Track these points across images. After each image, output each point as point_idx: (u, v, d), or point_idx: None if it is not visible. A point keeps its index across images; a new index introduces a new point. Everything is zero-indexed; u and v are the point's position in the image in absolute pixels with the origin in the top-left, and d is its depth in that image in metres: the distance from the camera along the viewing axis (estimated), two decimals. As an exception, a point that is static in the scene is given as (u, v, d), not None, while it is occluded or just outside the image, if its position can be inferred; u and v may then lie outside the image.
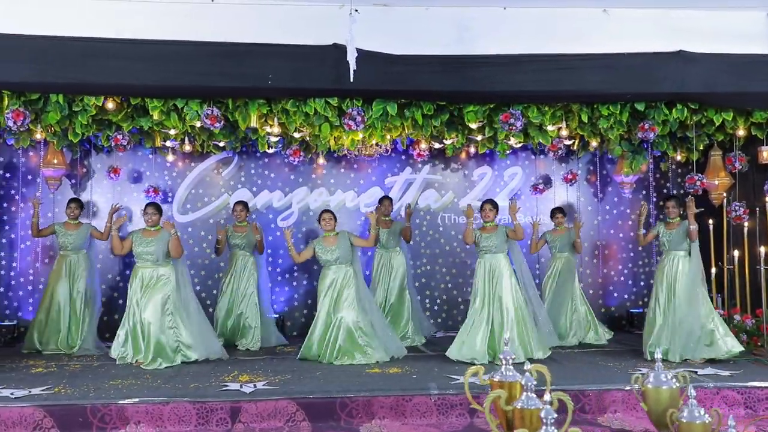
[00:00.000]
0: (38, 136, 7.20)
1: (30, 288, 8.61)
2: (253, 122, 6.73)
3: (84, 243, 7.83)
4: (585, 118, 7.02)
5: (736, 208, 7.72)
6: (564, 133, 7.33)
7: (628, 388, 5.46)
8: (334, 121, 6.65)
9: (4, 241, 8.62)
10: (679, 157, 8.94)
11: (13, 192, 8.66)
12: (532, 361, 6.31)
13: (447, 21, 6.24)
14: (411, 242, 8.45)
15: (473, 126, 7.07)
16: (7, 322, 8.29)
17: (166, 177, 8.92)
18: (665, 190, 9.50)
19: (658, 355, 3.71)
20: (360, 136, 7.52)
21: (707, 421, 2.78)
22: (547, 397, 3.15)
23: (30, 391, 5.37)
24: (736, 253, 7.91)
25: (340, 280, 6.84)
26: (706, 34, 6.39)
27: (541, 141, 7.55)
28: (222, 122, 6.43)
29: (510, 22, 6.33)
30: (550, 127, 7.23)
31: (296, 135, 7.33)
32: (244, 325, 7.73)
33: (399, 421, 5.27)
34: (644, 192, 9.49)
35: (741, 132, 7.52)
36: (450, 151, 8.47)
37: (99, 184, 8.79)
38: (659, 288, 6.96)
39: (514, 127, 6.64)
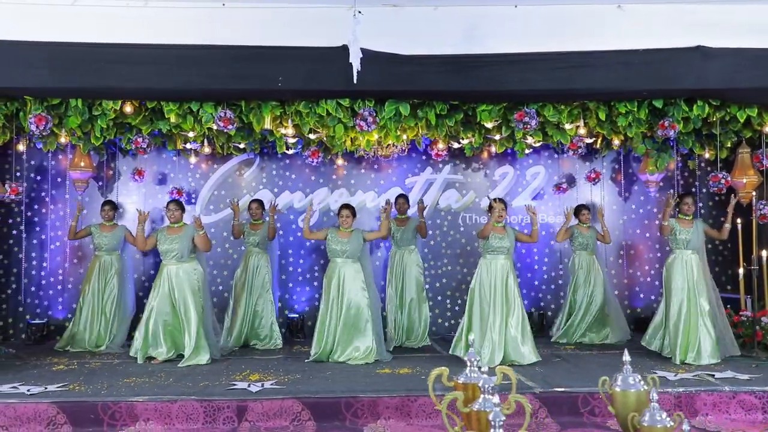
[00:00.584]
0: (62, 140, 7.38)
1: (59, 287, 8.86)
2: (268, 124, 6.80)
3: (118, 244, 8.07)
4: (603, 116, 6.90)
5: (762, 206, 7.49)
6: (582, 131, 7.21)
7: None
8: (347, 122, 6.67)
9: (35, 241, 8.89)
10: (707, 155, 8.68)
11: (43, 194, 8.92)
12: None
13: (456, 20, 6.19)
14: (426, 237, 8.42)
15: (488, 125, 7.02)
16: (37, 321, 8.55)
17: (190, 179, 9.08)
18: (693, 189, 9.26)
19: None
20: (375, 136, 7.55)
21: (669, 426, 2.70)
22: (515, 398, 3.10)
23: (46, 388, 5.55)
24: (764, 253, 7.66)
25: (346, 272, 6.88)
26: (725, 28, 6.18)
27: (560, 140, 7.46)
28: (235, 124, 6.52)
29: (521, 20, 6.24)
30: (567, 126, 7.14)
31: (312, 136, 7.39)
32: (262, 324, 7.82)
33: (404, 421, 5.27)
34: (671, 191, 9.25)
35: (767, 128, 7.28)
36: (468, 151, 8.40)
37: (125, 186, 9.00)
38: (673, 288, 6.87)
39: (528, 126, 6.56)
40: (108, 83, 6.08)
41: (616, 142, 8.20)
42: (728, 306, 7.77)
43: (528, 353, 6.59)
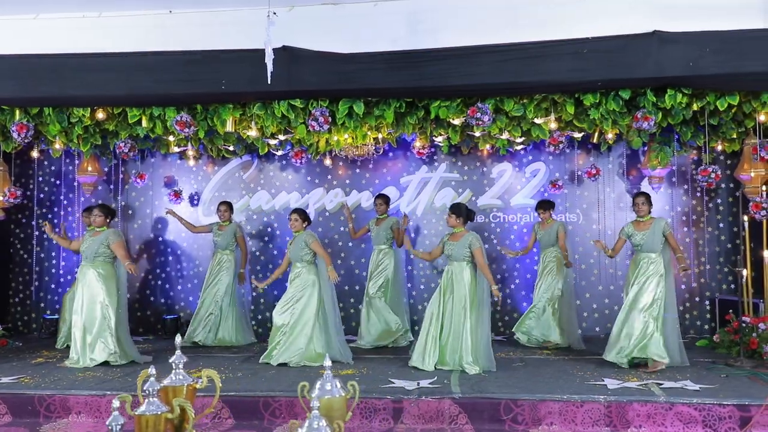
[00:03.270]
0: (57, 146, 7.85)
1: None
2: (230, 127, 6.93)
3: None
4: (571, 110, 6.55)
5: (764, 203, 6.88)
6: (553, 125, 6.87)
7: (566, 397, 5.10)
8: (301, 122, 6.70)
9: (54, 242, 9.47)
10: (720, 147, 8.06)
11: (61, 197, 9.52)
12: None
13: (398, 15, 6.09)
14: (400, 246, 8.12)
15: (456, 122, 6.85)
16: (50, 316, 9.14)
17: (193, 181, 9.40)
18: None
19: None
20: (345, 136, 7.53)
21: (325, 433, 2.51)
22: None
23: (1, 380, 5.92)
24: (766, 253, 7.02)
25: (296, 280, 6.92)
26: (685, 10, 5.75)
27: (539, 135, 7.15)
28: (192, 128, 6.68)
29: (468, 12, 6.07)
30: (538, 120, 6.85)
31: (281, 137, 7.47)
32: (228, 324, 8.03)
33: (321, 423, 5.23)
34: (685, 186, 8.66)
35: (762, 117, 6.65)
36: (445, 148, 8.22)
37: (134, 188, 9.43)
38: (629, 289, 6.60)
39: (481, 122, 6.33)
40: (69, 92, 6.41)
41: (610, 135, 7.76)
42: (730, 311, 7.18)
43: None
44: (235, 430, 5.16)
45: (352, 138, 7.55)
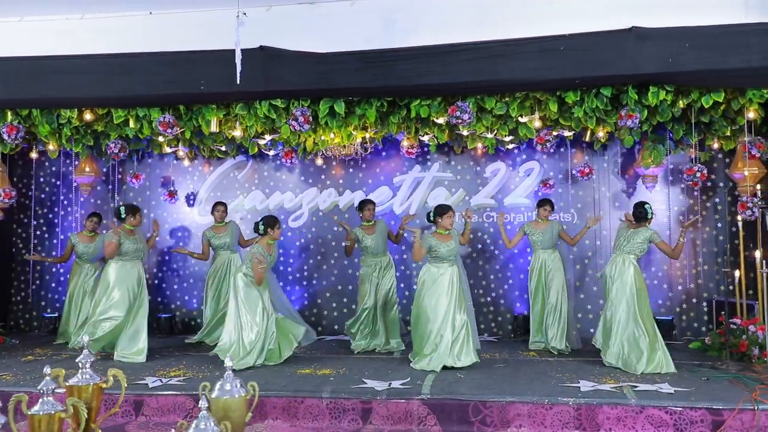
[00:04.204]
0: (51, 147, 7.97)
1: (75, 284, 9.55)
2: (214, 127, 6.97)
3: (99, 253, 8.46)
4: (554, 108, 6.47)
5: (749, 203, 6.72)
6: (537, 124, 6.79)
7: (535, 399, 5.03)
8: (284, 122, 6.71)
9: (55, 241, 9.64)
10: (716, 145, 7.89)
11: (61, 197, 9.66)
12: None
13: (373, 14, 6.08)
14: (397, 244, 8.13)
15: (440, 121, 6.81)
16: (52, 314, 9.29)
17: (189, 181, 9.47)
18: (709, 183, 8.43)
19: None
20: (332, 135, 7.52)
21: (216, 432, 2.48)
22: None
23: (-21, 377, 6.04)
24: (758, 254, 6.86)
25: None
26: (663, 6, 5.64)
27: (526, 134, 7.09)
28: (175, 128, 6.73)
29: (442, 11, 6.03)
30: (522, 119, 6.78)
31: (267, 137, 7.50)
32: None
33: (289, 422, 5.24)
34: (682, 186, 8.48)
35: (751, 114, 6.50)
36: (433, 148, 8.17)
37: (132, 189, 9.53)
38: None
39: (461, 120, 6.29)
40: (52, 94, 6.52)
41: (601, 134, 7.66)
42: (722, 313, 7.02)
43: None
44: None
45: (340, 138, 7.54)
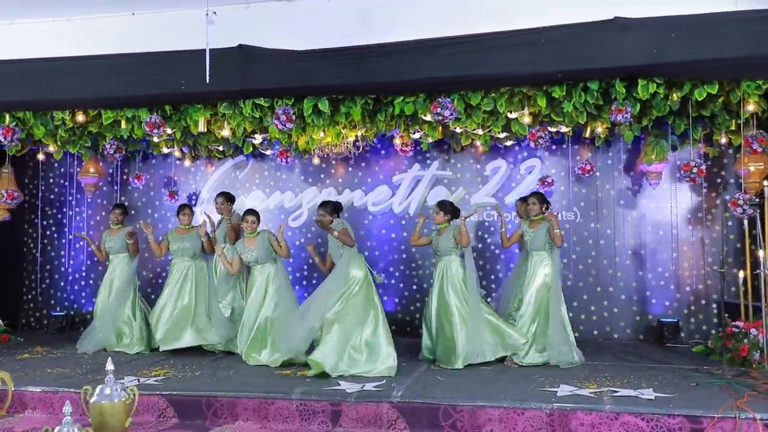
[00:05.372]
0: (51, 148, 8.09)
1: (82, 283, 9.70)
2: (202, 127, 6.96)
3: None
4: (542, 103, 6.28)
5: (741, 200, 6.42)
6: (527, 120, 6.61)
7: (507, 404, 4.88)
8: (267, 121, 6.67)
9: (63, 241, 9.80)
10: (724, 140, 7.56)
11: (70, 198, 9.81)
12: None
13: (351, 11, 5.98)
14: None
15: (427, 118, 6.68)
16: (59, 313, 9.44)
17: (191, 181, 9.52)
18: (718, 180, 8.11)
19: None
20: (321, 134, 7.45)
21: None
22: None
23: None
24: (761, 254, 6.54)
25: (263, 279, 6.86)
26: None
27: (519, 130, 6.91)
28: (162, 129, 6.75)
29: (420, 6, 5.91)
30: (511, 114, 6.61)
31: (258, 136, 7.47)
32: None
33: (260, 424, 5.19)
34: (690, 183, 8.15)
35: (751, 107, 6.21)
36: (425, 146, 8.04)
37: (136, 189, 9.62)
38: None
39: (443, 117, 6.15)
40: (39, 96, 6.59)
41: (599, 129, 7.41)
42: (726, 315, 6.73)
43: None
44: (177, 429, 5.16)
45: (331, 137, 7.46)
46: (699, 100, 5.95)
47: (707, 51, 5.34)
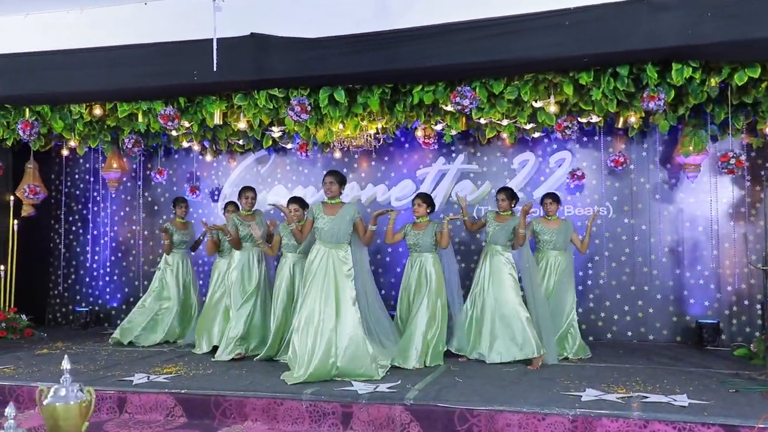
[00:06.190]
0: (72, 143, 8.04)
1: (107, 279, 9.67)
2: (217, 119, 6.80)
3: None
4: (569, 91, 5.95)
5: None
6: (553, 108, 6.28)
7: (527, 409, 4.58)
8: (283, 112, 6.48)
9: (88, 237, 9.78)
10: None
11: (95, 194, 9.79)
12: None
13: (365, -3, 5.73)
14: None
15: (449, 108, 6.40)
16: (84, 308, 9.42)
17: (213, 176, 9.40)
18: (762, 171, 7.64)
19: None
20: (340, 126, 7.23)
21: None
22: None
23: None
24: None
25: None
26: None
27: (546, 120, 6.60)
28: (176, 121, 6.61)
29: (437, -11, 5.61)
30: (537, 104, 6.30)
31: (275, 129, 7.29)
32: None
33: (268, 425, 4.99)
34: (732, 175, 7.70)
35: (796, 92, 5.78)
36: (448, 138, 7.75)
37: (159, 185, 9.54)
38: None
39: (462, 107, 5.87)
40: (54, 88, 6.53)
41: (632, 119, 7.03)
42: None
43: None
44: (185, 428, 4.99)
45: (351, 128, 7.23)
46: (739, 85, 5.53)
47: (747, 31, 4.93)
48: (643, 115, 6.86)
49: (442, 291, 6.32)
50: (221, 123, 6.87)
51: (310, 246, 6.01)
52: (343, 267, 5.65)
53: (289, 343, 6.10)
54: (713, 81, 5.65)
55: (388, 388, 5.19)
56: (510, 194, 6.65)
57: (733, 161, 6.43)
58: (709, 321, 7.50)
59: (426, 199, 6.52)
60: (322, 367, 5.45)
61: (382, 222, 6.53)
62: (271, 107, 6.39)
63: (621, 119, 7.24)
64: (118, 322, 9.36)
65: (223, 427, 4.98)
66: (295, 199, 6.56)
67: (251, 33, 5.84)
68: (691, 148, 7.14)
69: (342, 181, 5.83)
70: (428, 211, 6.48)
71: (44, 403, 2.47)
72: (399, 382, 5.40)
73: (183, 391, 5.24)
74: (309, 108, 6.20)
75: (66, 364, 2.67)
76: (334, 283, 5.59)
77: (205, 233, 7.53)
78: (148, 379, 5.61)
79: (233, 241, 6.79)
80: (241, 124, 6.94)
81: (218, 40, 5.85)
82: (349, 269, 5.66)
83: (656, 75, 5.48)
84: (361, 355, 5.54)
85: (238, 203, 7.11)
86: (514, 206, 6.67)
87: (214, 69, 5.18)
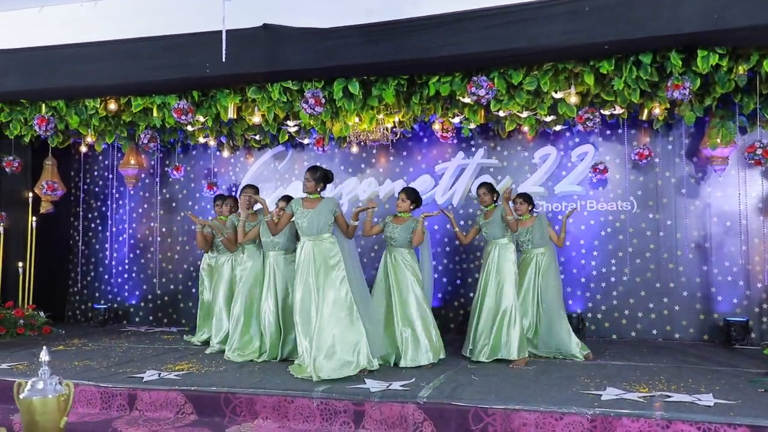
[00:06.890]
0: (89, 139, 8.03)
1: (125, 276, 9.66)
2: (231, 113, 6.73)
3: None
4: (590, 80, 5.76)
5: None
6: (574, 99, 6.09)
7: (544, 408, 4.41)
8: (297, 105, 6.38)
9: (107, 233, 9.79)
10: (802, 121, 6.84)
11: (114, 191, 9.79)
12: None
13: (378, -15, 5.59)
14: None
15: (466, 100, 6.24)
16: (102, 305, 9.42)
17: (231, 173, 9.34)
18: (793, 166, 7.34)
19: None
20: (356, 120, 7.11)
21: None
22: None
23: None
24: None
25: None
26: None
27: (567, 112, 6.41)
28: (190, 115, 6.54)
29: (453, -25, 5.45)
30: (557, 95, 6.12)
31: (291, 123, 7.19)
32: None
33: (279, 423, 4.88)
34: (761, 168, 7.43)
35: (830, 80, 5.53)
36: (466, 132, 7.57)
37: (176, 181, 9.51)
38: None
39: (479, 97, 5.71)
40: (68, 82, 6.49)
41: (657, 111, 6.80)
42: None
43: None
44: (195, 426, 4.90)
45: (367, 122, 7.10)
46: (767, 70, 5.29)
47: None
48: (668, 106, 6.64)
49: (417, 284, 6.14)
50: (235, 117, 6.80)
51: (288, 243, 6.28)
52: (329, 254, 5.60)
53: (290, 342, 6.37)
54: (741, 69, 5.42)
55: (401, 386, 5.06)
56: (490, 188, 6.48)
57: (760, 152, 6.18)
58: (738, 319, 7.24)
59: (411, 194, 6.31)
60: (327, 359, 5.39)
61: (364, 217, 6.39)
62: (285, 100, 6.29)
63: (645, 111, 7.02)
64: (137, 319, 9.44)
65: (233, 424, 4.88)
66: (284, 198, 6.63)
67: (264, 24, 5.75)
68: (718, 140, 6.89)
69: (322, 178, 5.76)
70: (412, 207, 6.27)
71: (20, 396, 2.37)
72: (413, 380, 5.26)
73: (193, 389, 5.16)
74: (323, 101, 6.08)
75: (44, 356, 2.58)
76: (323, 272, 5.55)
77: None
78: (159, 376, 5.54)
79: (226, 241, 6.91)
80: (256, 118, 6.85)
81: (231, 31, 5.75)
82: (335, 255, 5.59)
83: (680, 63, 5.27)
84: (352, 340, 5.51)
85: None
86: (497, 200, 6.47)
87: (223, 60, 5.07)
